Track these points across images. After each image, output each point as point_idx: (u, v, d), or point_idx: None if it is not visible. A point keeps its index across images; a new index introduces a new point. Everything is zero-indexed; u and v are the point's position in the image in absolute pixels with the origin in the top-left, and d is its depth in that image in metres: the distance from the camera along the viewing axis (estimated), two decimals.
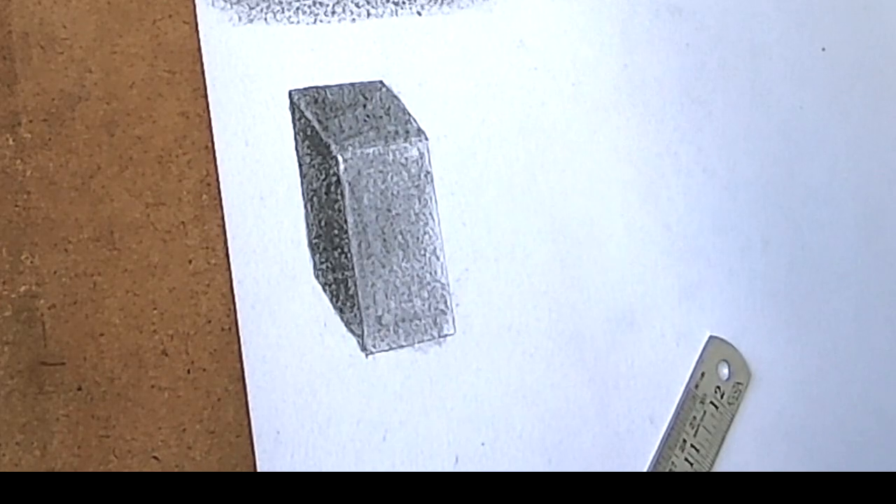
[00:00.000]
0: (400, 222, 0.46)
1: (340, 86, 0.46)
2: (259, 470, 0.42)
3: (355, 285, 0.45)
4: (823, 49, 0.59)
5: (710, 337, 0.53)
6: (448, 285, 0.47)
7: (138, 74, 0.42)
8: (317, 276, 0.45)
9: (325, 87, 0.46)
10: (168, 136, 0.42)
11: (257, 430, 0.42)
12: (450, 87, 0.48)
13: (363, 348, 0.45)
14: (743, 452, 0.51)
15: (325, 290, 0.45)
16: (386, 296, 0.46)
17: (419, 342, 0.46)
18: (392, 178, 0.46)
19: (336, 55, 0.46)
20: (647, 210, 0.53)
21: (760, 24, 0.57)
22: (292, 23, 0.46)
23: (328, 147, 0.45)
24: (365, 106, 0.46)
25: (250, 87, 0.44)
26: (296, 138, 0.45)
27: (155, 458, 0.40)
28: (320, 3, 0.46)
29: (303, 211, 0.45)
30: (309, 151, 0.45)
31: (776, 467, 0.46)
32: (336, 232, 0.45)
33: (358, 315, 0.45)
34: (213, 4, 0.44)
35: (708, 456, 0.50)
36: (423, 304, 0.47)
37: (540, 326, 0.49)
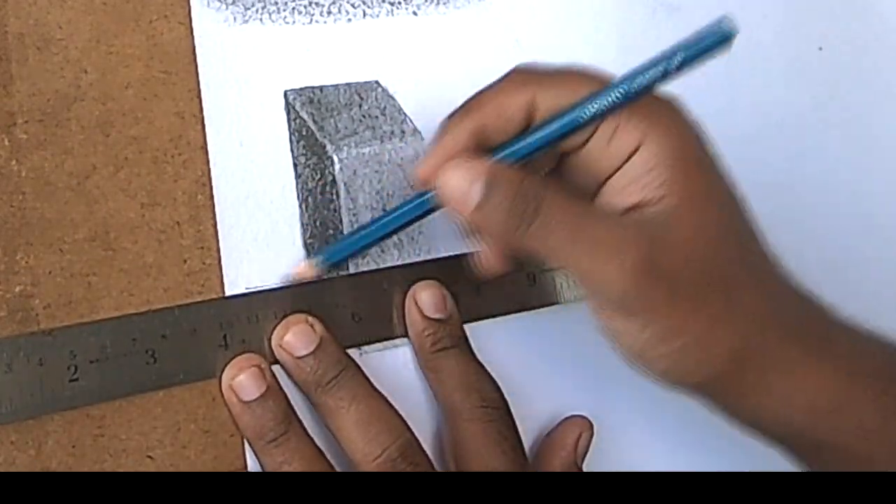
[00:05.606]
0: None
1: (336, 86, 0.46)
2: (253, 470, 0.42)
3: None
4: (821, 48, 0.58)
5: None
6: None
7: (134, 75, 0.42)
8: None
9: (320, 87, 0.46)
10: (163, 136, 0.42)
11: None
12: (446, 86, 0.48)
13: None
14: (744, 451, 0.51)
15: None
16: None
17: None
18: (388, 178, 0.46)
19: (332, 55, 0.46)
20: None
21: (758, 22, 0.57)
22: (288, 23, 0.46)
23: (323, 147, 0.45)
24: (360, 106, 0.46)
25: (245, 87, 0.44)
26: (291, 138, 0.45)
27: (149, 457, 0.40)
28: (316, 4, 0.46)
29: (298, 211, 0.45)
30: (304, 151, 0.45)
31: (778, 467, 0.46)
32: (331, 232, 0.45)
33: None
34: (208, 5, 0.44)
35: None
36: None
37: (538, 325, 0.49)
